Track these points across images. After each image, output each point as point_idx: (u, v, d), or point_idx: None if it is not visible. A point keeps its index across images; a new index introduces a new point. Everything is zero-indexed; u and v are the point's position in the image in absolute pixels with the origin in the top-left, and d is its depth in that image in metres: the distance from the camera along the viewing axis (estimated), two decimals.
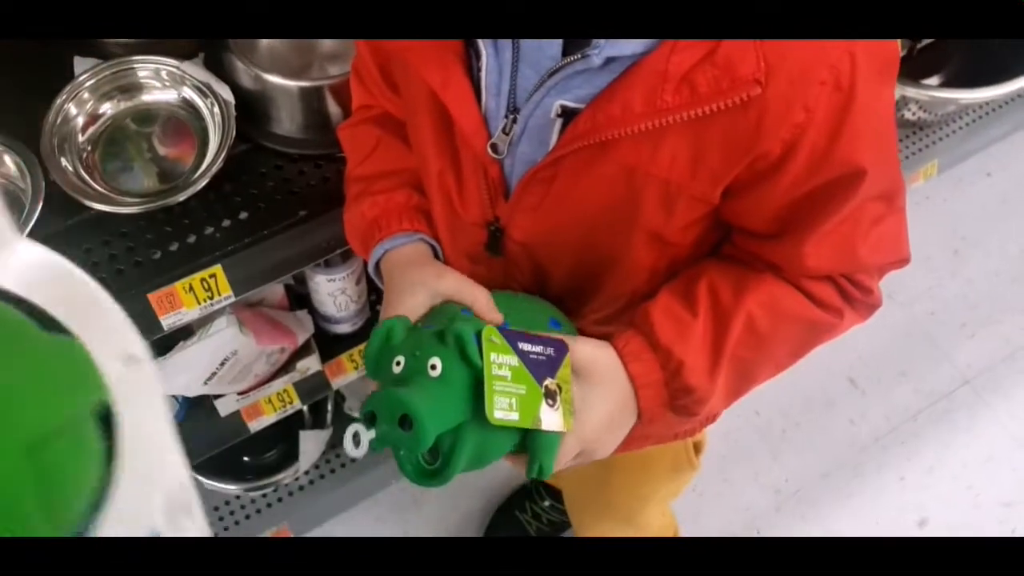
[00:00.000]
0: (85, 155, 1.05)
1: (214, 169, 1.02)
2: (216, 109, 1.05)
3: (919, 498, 1.76)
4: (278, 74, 1.06)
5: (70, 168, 1.02)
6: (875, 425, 1.85)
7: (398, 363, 0.70)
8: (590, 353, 0.75)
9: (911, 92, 1.46)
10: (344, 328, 1.32)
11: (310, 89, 1.06)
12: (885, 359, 1.92)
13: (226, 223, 1.03)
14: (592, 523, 1.39)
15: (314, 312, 1.30)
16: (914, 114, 1.65)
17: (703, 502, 1.73)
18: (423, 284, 0.79)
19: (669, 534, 1.47)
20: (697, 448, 1.16)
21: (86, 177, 1.03)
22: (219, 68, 1.09)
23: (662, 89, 0.64)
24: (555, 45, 0.68)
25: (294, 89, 1.06)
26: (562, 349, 0.72)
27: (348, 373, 1.37)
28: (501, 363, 0.68)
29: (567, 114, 0.70)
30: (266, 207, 1.05)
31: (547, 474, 0.71)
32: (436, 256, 0.87)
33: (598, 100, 0.68)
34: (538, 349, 0.71)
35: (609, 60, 0.66)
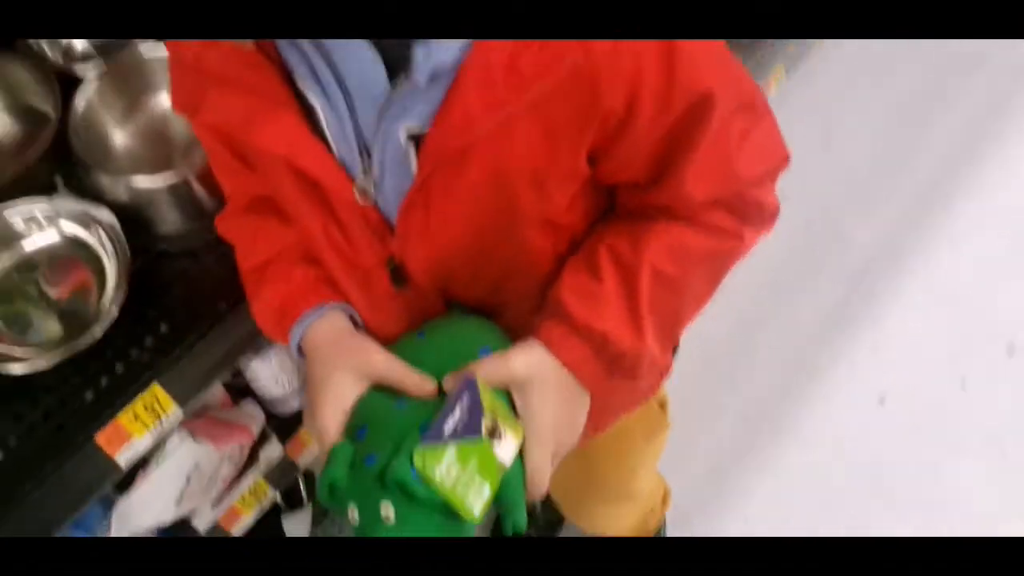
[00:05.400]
0: None
1: (121, 293, 0.99)
2: (102, 234, 1.02)
3: (872, 376, 1.84)
4: (146, 173, 1.03)
5: None
6: (808, 322, 1.92)
7: (352, 511, 0.69)
8: (522, 362, 0.76)
9: None
10: (295, 404, 1.30)
11: (179, 184, 1.04)
12: (794, 260, 1.99)
13: (149, 341, 1.00)
14: (591, 508, 1.40)
15: (260, 399, 1.27)
16: None
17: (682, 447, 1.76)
18: (345, 370, 0.78)
19: (660, 494, 1.49)
20: (662, 405, 1.19)
21: None
22: (84, 191, 1.05)
23: (492, 85, 0.64)
24: (380, 75, 0.67)
25: (170, 183, 1.03)
26: (472, 389, 0.71)
27: (311, 446, 1.35)
28: (446, 467, 0.67)
29: (417, 138, 0.70)
30: (185, 311, 1.02)
31: (521, 529, 0.71)
32: (353, 320, 0.86)
33: (438, 115, 0.67)
34: (458, 415, 0.70)
35: (434, 75, 0.65)
